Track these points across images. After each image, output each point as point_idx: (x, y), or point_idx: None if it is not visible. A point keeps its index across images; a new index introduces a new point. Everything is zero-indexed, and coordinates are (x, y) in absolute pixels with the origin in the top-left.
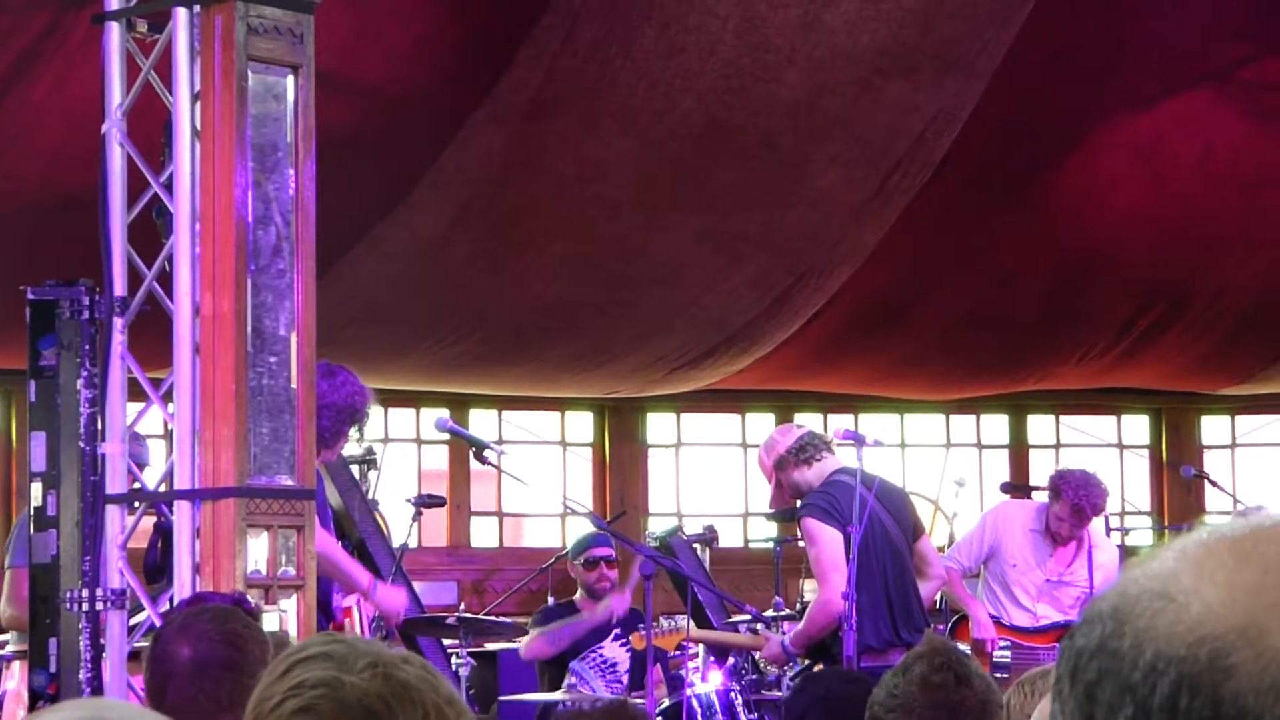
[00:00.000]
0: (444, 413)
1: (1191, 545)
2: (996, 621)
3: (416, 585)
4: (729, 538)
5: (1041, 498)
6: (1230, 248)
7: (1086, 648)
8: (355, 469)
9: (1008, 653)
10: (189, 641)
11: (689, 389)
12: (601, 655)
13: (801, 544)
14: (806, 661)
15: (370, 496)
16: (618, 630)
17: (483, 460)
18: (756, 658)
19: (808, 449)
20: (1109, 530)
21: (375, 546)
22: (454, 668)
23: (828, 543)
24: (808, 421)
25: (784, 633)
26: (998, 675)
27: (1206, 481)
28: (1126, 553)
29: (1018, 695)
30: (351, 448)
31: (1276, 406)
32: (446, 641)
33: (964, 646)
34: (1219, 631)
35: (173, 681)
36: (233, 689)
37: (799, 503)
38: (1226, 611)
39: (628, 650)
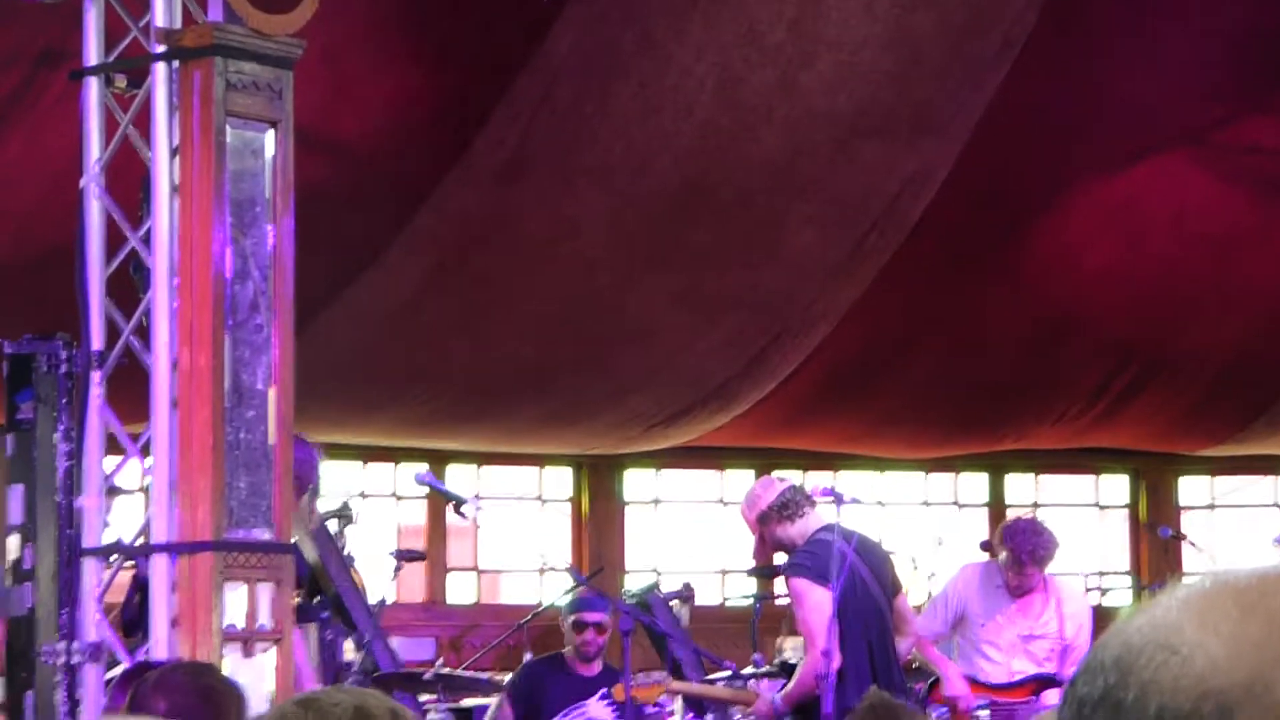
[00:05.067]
0: (422, 467)
1: (1195, 595)
2: (972, 680)
3: (394, 641)
4: (707, 595)
5: None
6: (1204, 308)
7: (1089, 698)
8: (332, 524)
9: (986, 712)
10: (165, 695)
11: (667, 446)
12: (585, 715)
13: (780, 602)
14: None
15: (346, 552)
16: (604, 690)
17: (460, 515)
18: (740, 717)
19: (790, 505)
20: (1087, 590)
21: (352, 603)
22: None
23: (816, 604)
24: (788, 479)
25: (764, 688)
26: None
27: (1184, 542)
28: (1104, 613)
29: None
30: (327, 503)
31: (1254, 468)
32: (424, 697)
33: (941, 709)
34: (1224, 686)
35: None
36: None
37: (785, 561)
38: (1231, 665)
39: (613, 710)
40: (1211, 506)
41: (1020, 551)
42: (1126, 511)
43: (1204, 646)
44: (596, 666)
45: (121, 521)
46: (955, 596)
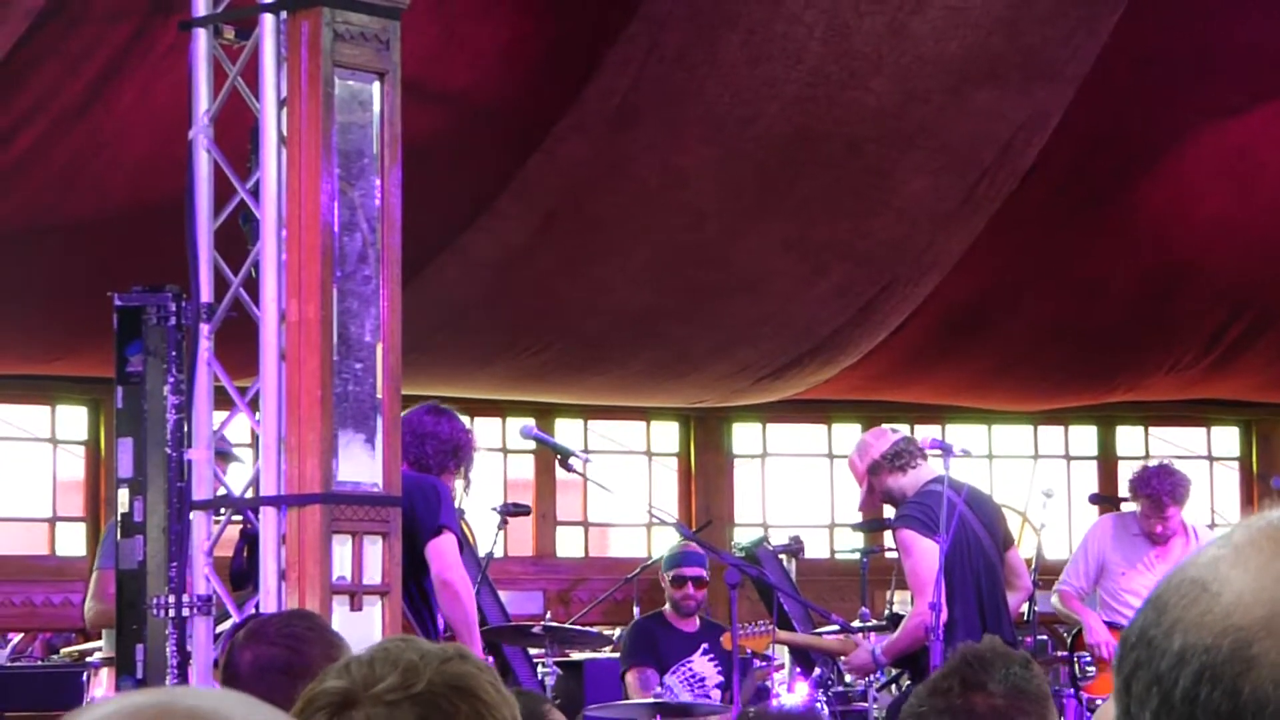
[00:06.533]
0: (529, 422)
1: (1240, 532)
2: (1118, 629)
3: (503, 595)
4: (815, 549)
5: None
6: None
7: (1130, 636)
8: None
9: None
10: (251, 646)
11: (775, 399)
12: (691, 669)
13: (890, 555)
14: (894, 672)
15: (456, 505)
16: (705, 645)
17: (568, 468)
18: (840, 663)
19: (903, 455)
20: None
21: (463, 556)
22: (539, 677)
23: (924, 554)
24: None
25: (871, 641)
26: None
27: None
28: None
29: None
30: None
31: None
32: (532, 651)
33: (1085, 656)
34: (1244, 622)
35: (236, 687)
36: (292, 693)
37: (894, 514)
38: (1255, 601)
39: (716, 665)
40: None
41: (1160, 493)
42: (1238, 463)
43: (1232, 582)
44: (695, 622)
45: (231, 475)
46: (1094, 549)
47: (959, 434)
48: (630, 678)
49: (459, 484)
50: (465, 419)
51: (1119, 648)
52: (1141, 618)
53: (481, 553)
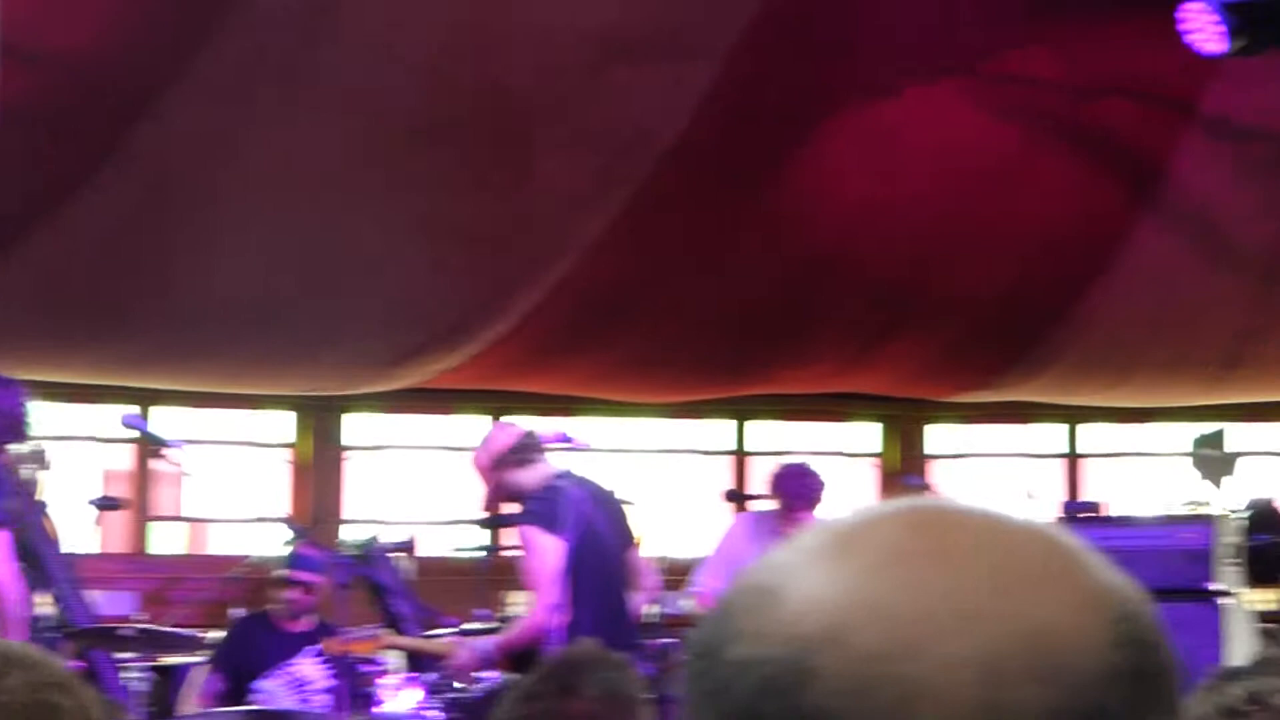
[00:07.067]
0: (129, 409)
1: (811, 534)
2: None
3: (97, 595)
4: (434, 546)
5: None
6: (965, 248)
7: (693, 644)
8: (24, 470)
9: None
10: None
11: (395, 388)
12: (294, 672)
13: (511, 554)
14: (509, 676)
15: (37, 498)
16: (313, 647)
17: (168, 460)
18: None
19: (527, 450)
20: None
21: (45, 552)
22: (124, 683)
23: (545, 552)
24: (523, 424)
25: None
26: None
27: (932, 492)
28: None
29: None
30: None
31: (1006, 415)
32: (124, 655)
33: None
34: (806, 631)
35: None
36: None
37: (517, 509)
38: (817, 609)
39: (326, 668)
40: (963, 455)
41: (789, 495)
42: (874, 459)
43: (798, 589)
44: (308, 623)
45: None
46: (730, 548)
47: (590, 427)
48: (198, 681)
49: (40, 474)
50: (55, 403)
51: (684, 658)
52: (705, 625)
53: (74, 549)
